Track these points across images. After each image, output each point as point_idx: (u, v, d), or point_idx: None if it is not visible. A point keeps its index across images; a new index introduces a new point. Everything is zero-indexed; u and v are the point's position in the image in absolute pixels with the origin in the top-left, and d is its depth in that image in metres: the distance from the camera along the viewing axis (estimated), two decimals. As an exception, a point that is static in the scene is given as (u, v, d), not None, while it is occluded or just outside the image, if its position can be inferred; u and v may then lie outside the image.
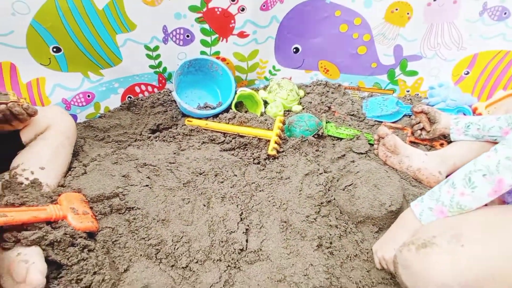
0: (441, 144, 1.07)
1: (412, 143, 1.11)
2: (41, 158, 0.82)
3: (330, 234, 0.83)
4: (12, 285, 0.62)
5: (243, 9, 1.07)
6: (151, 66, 1.14)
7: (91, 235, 0.75)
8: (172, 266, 0.74)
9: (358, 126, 1.18)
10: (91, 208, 0.79)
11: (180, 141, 1.08)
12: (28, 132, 0.84)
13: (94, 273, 0.67)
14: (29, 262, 0.61)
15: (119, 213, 0.82)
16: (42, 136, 0.85)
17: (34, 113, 0.80)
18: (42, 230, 0.67)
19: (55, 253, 0.66)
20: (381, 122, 1.20)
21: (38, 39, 0.91)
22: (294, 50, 1.25)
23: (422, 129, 1.08)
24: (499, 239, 0.58)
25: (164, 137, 1.09)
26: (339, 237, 0.83)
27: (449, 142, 1.01)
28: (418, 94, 1.31)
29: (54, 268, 0.67)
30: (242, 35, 1.13)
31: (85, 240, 0.70)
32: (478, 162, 0.65)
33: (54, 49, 0.95)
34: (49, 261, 0.65)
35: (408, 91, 1.32)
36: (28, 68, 0.94)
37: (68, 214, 0.71)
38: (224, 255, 0.77)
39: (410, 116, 1.22)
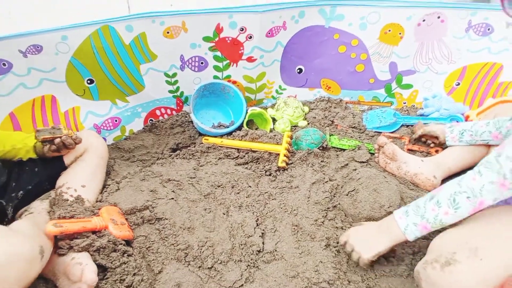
0: (436, 151, 1.17)
1: (410, 150, 1.21)
2: (82, 177, 0.94)
3: (337, 235, 0.92)
4: (68, 285, 0.74)
5: (250, 37, 1.20)
6: (170, 91, 1.27)
7: (128, 243, 0.86)
8: (199, 267, 0.85)
9: (359, 137, 1.29)
10: (126, 219, 0.91)
11: (198, 157, 1.20)
12: (69, 155, 0.97)
13: (134, 274, 0.78)
14: (83, 264, 0.73)
15: (150, 223, 0.93)
16: (81, 158, 0.98)
17: (79, 142, 0.93)
18: (90, 238, 0.78)
19: (101, 258, 0.78)
20: (380, 132, 1.30)
21: (75, 73, 1.05)
22: (298, 70, 1.37)
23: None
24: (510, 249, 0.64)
25: (184, 155, 1.21)
26: (345, 238, 0.93)
27: (444, 148, 1.11)
28: (414, 105, 1.42)
29: (100, 271, 0.78)
30: (250, 59, 1.26)
31: (124, 247, 0.82)
32: (463, 183, 0.69)
33: (88, 81, 1.09)
34: (96, 265, 0.77)
35: (404, 103, 1.43)
36: (66, 99, 1.08)
37: (109, 224, 0.83)
38: (244, 256, 0.87)
39: (407, 126, 1.33)
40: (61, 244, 0.76)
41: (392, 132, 1.31)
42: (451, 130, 1.05)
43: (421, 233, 0.73)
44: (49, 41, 0.96)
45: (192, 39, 1.16)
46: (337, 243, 0.90)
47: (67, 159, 0.96)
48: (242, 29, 1.17)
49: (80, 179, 0.94)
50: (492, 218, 0.70)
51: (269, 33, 1.21)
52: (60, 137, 0.89)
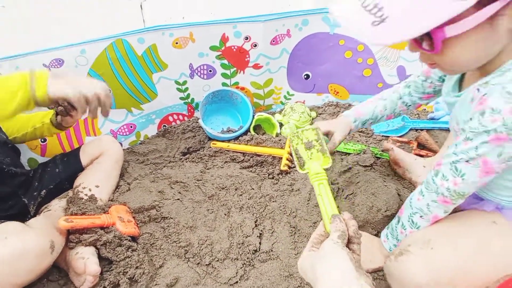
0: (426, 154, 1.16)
1: (417, 155, 1.20)
2: (97, 178, 1.02)
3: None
4: (75, 277, 0.81)
5: (255, 45, 1.25)
6: (181, 98, 1.35)
7: (133, 239, 0.93)
8: (198, 263, 0.90)
9: (366, 141, 1.29)
10: (134, 217, 0.98)
11: (206, 161, 1.26)
12: (86, 158, 1.06)
13: (137, 267, 0.85)
14: (85, 258, 0.80)
15: (156, 222, 1.00)
16: (97, 161, 1.07)
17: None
18: (98, 233, 0.86)
19: (107, 251, 0.85)
20: (388, 136, 1.30)
21: (93, 84, 1.15)
22: (305, 76, 1.40)
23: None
24: (463, 239, 0.68)
25: (193, 158, 1.28)
26: (341, 240, 0.94)
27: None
28: (425, 109, 1.40)
29: (106, 263, 0.86)
30: (256, 66, 1.31)
31: (129, 242, 0.89)
32: (413, 205, 0.74)
33: (105, 91, 1.19)
34: (102, 258, 0.85)
35: (415, 107, 1.41)
36: (85, 107, 1.18)
37: (116, 221, 0.90)
38: (240, 255, 0.91)
39: (416, 130, 1.31)
40: (71, 238, 0.84)
41: (400, 136, 1.30)
42: (356, 124, 0.94)
43: None
44: (69, 55, 1.06)
45: (199, 48, 1.23)
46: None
47: (84, 161, 1.05)
48: (246, 38, 1.22)
49: (95, 180, 1.02)
50: (448, 219, 0.73)
51: (273, 41, 1.25)
52: None
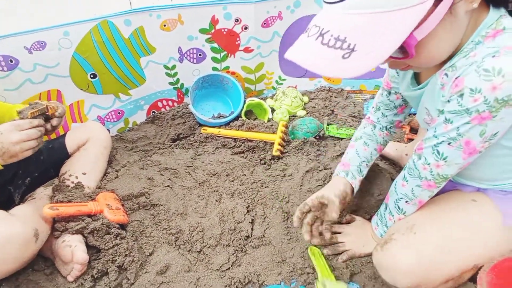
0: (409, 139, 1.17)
1: (410, 140, 1.19)
2: (84, 166, 0.99)
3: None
4: (63, 266, 0.79)
5: (246, 28, 1.21)
6: (171, 83, 1.31)
7: (122, 226, 0.91)
8: (189, 250, 0.88)
9: (359, 126, 1.28)
10: (122, 205, 0.96)
11: (197, 147, 1.23)
12: (72, 144, 1.02)
13: (126, 255, 0.83)
14: (72, 246, 0.78)
15: (145, 209, 0.98)
16: (84, 147, 1.03)
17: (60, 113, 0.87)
18: (84, 221, 0.84)
19: (95, 240, 0.83)
20: (381, 121, 1.28)
21: (79, 68, 1.10)
22: (297, 60, 1.37)
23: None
24: (446, 220, 0.69)
25: (183, 145, 1.25)
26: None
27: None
28: (418, 94, 1.39)
29: (94, 252, 0.84)
30: (247, 50, 1.28)
31: (118, 230, 0.86)
32: (398, 190, 0.74)
33: (91, 76, 1.15)
34: (89, 246, 0.82)
35: (408, 91, 1.40)
36: (71, 93, 1.14)
37: (104, 209, 0.88)
38: (232, 241, 0.89)
39: (409, 115, 1.30)
40: (57, 226, 0.81)
41: (393, 121, 1.29)
42: (351, 176, 0.85)
43: None
44: (52, 37, 1.02)
45: (189, 31, 1.19)
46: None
47: (70, 148, 1.02)
48: (237, 20, 1.18)
49: (81, 167, 0.99)
50: (430, 203, 0.73)
51: (264, 24, 1.21)
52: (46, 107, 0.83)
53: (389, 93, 0.86)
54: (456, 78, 0.56)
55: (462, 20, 0.53)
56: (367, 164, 0.88)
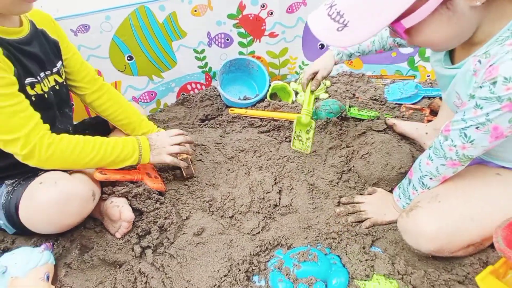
0: (429, 120, 1.21)
1: (429, 121, 1.23)
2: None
3: (350, 194, 0.99)
4: (111, 224, 0.88)
5: (271, 13, 1.27)
6: (199, 67, 1.39)
7: (160, 194, 0.99)
8: (222, 216, 0.96)
9: (380, 109, 1.33)
10: (159, 175, 1.04)
11: (225, 126, 1.30)
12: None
13: (165, 218, 0.91)
14: (120, 206, 0.86)
15: (180, 180, 1.06)
16: None
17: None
18: (128, 187, 0.92)
19: (138, 203, 0.91)
20: (401, 104, 1.33)
21: (117, 50, 1.19)
22: (320, 46, 1.42)
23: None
24: (468, 190, 0.73)
25: (212, 124, 1.32)
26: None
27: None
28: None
29: (137, 214, 0.92)
30: (272, 35, 1.34)
31: (157, 195, 0.94)
32: (422, 168, 0.78)
33: (128, 58, 1.23)
34: (133, 209, 0.91)
35: (428, 76, 1.43)
36: (110, 74, 1.23)
37: (144, 176, 0.96)
38: (261, 208, 0.96)
39: (429, 98, 1.34)
40: (104, 189, 0.90)
41: (413, 104, 1.33)
42: (340, 56, 1.05)
43: None
44: (95, 21, 1.10)
45: (217, 16, 1.26)
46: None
47: (111, 125, 1.11)
48: (263, 6, 1.24)
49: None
50: (454, 176, 0.76)
51: (289, 9, 1.27)
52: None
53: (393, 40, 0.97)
54: (490, 65, 0.58)
55: (466, 15, 0.57)
56: (359, 56, 1.04)
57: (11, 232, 0.82)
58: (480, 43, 0.62)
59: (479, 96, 0.61)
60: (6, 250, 0.82)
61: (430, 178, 0.77)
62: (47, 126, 0.78)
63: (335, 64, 1.05)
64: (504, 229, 0.63)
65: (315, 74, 1.05)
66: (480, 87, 0.60)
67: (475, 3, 0.55)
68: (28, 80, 0.77)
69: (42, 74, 0.82)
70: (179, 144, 0.98)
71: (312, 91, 1.07)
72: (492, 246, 0.74)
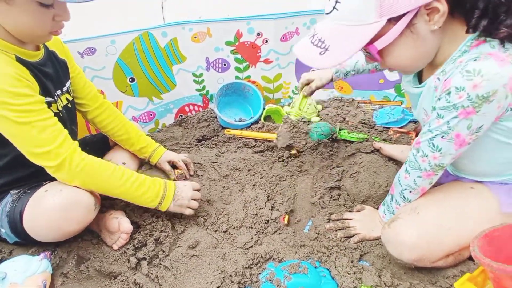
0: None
1: (416, 143, 1.29)
2: (124, 156, 1.11)
3: (339, 211, 1.03)
4: (109, 236, 0.90)
5: (266, 41, 1.36)
6: (197, 90, 1.46)
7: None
8: (216, 230, 0.99)
9: (369, 131, 1.39)
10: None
11: (220, 146, 1.36)
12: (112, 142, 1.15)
13: (161, 231, 0.94)
14: (119, 218, 0.89)
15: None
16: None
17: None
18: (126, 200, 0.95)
19: (135, 216, 0.94)
20: (389, 128, 1.40)
21: (120, 72, 1.26)
22: (312, 72, 1.51)
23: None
24: (446, 203, 0.79)
25: (208, 144, 1.38)
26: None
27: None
28: (423, 104, 1.50)
29: (134, 227, 0.95)
30: (267, 61, 1.43)
31: (154, 210, 0.98)
32: (401, 182, 0.83)
33: (130, 79, 1.30)
34: (130, 222, 0.94)
35: (414, 102, 1.51)
36: (112, 94, 1.29)
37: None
38: (254, 224, 1.00)
39: (415, 122, 1.41)
40: (103, 203, 0.93)
41: (400, 127, 1.40)
42: (337, 74, 1.13)
43: None
44: (101, 44, 1.18)
45: (216, 43, 1.34)
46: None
47: (111, 142, 1.15)
48: (259, 34, 1.34)
49: (122, 157, 1.12)
50: (433, 190, 0.83)
51: (283, 38, 1.37)
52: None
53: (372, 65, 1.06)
54: (445, 80, 0.67)
55: (428, 37, 0.65)
56: (354, 74, 1.12)
57: (12, 241, 0.85)
58: (441, 63, 0.71)
59: (438, 107, 0.68)
60: (3, 260, 0.84)
61: (410, 191, 0.82)
62: (76, 142, 0.81)
63: (332, 80, 1.15)
64: (480, 240, 0.67)
65: (310, 82, 1.16)
66: (439, 99, 0.67)
67: (433, 27, 0.63)
68: (47, 99, 0.81)
69: (56, 94, 0.87)
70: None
71: (304, 96, 1.18)
72: (471, 258, 0.78)
